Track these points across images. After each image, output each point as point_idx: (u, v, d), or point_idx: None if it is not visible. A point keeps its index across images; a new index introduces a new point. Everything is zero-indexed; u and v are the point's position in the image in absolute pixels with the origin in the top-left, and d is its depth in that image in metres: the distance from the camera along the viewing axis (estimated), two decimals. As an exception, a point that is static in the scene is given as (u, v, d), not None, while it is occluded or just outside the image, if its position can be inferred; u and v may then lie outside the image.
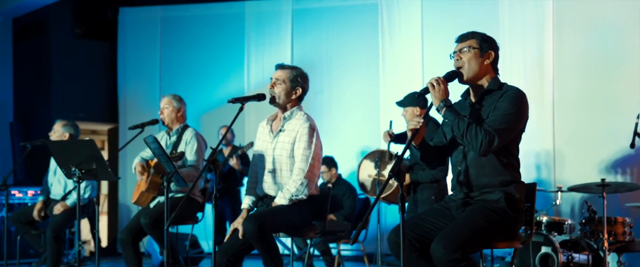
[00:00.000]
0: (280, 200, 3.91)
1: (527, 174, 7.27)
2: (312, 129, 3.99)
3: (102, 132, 10.49)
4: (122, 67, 9.35)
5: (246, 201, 4.13)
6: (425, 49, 8.01)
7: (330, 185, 6.89)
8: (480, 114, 3.24)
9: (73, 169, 4.38)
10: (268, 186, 4.03)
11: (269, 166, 4.02)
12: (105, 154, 9.68)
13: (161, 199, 5.04)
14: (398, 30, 8.30)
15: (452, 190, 3.39)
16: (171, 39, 9.25)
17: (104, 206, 9.82)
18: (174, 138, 5.18)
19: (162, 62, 9.24)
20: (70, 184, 5.92)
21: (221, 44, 9.09)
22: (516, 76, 7.41)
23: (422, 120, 3.19)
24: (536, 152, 7.35)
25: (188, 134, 5.12)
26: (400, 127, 5.49)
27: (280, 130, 4.03)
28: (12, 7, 9.04)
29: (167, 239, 3.85)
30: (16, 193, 7.66)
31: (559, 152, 7.24)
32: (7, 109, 9.23)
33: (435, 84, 3.22)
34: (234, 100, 3.89)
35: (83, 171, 4.39)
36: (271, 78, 4.08)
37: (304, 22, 8.84)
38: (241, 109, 3.88)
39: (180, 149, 5.04)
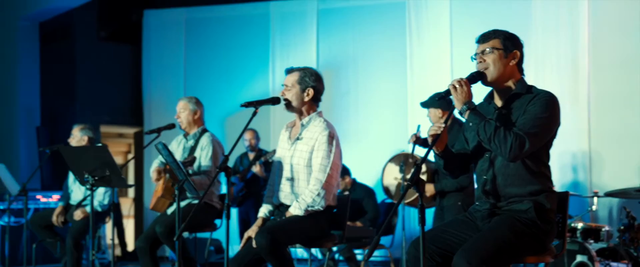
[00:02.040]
0: (295, 210, 3.74)
1: (562, 176, 7.03)
2: (332, 138, 3.81)
3: (128, 135, 10.44)
4: (147, 69, 9.27)
5: (263, 210, 3.98)
6: (454, 49, 7.76)
7: (346, 192, 6.72)
8: (508, 119, 3.02)
9: (86, 175, 4.27)
10: (284, 195, 3.86)
11: (286, 174, 3.86)
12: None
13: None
14: (426, 29, 8.07)
15: (477, 200, 3.17)
16: (195, 40, 9.15)
17: (131, 209, 9.76)
18: (191, 142, 5.05)
19: (186, 64, 9.14)
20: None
21: (246, 45, 8.95)
22: (550, 75, 7.17)
23: (443, 125, 2.99)
24: (572, 153, 7.07)
25: (204, 140, 4.98)
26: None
27: (298, 138, 3.86)
28: (38, 11, 9.03)
29: (178, 250, 3.70)
30: (41, 198, 7.62)
31: (595, 153, 6.95)
32: (35, 114, 9.23)
33: (457, 86, 3.00)
34: (247, 105, 3.74)
35: (96, 178, 4.27)
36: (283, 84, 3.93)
37: (329, 22, 8.65)
38: (255, 113, 3.71)
39: (196, 154, 4.90)
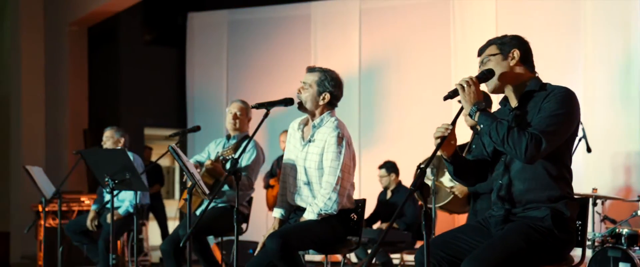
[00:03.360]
0: (309, 215, 3.62)
1: (614, 178, 6.68)
2: (341, 138, 3.65)
3: (173, 138, 10.51)
4: (190, 72, 9.32)
5: (277, 211, 3.86)
6: (500, 46, 7.47)
7: (390, 191, 6.54)
8: (524, 119, 2.82)
9: (107, 178, 4.26)
10: (299, 198, 3.75)
11: (301, 176, 3.74)
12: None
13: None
14: (471, 26, 7.81)
15: (493, 206, 2.98)
16: (238, 42, 9.14)
17: (177, 212, 9.83)
18: (232, 141, 4.97)
19: (229, 66, 9.14)
20: (122, 192, 5.84)
21: (287, 46, 8.88)
22: (600, 74, 6.84)
23: (450, 127, 2.81)
24: (625, 153, 6.73)
25: (251, 143, 4.89)
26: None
27: (310, 141, 3.73)
28: (86, 16, 9.20)
29: (189, 255, 3.63)
30: (85, 199, 7.72)
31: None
32: (82, 117, 9.40)
33: (465, 86, 2.82)
34: (259, 106, 3.64)
35: (116, 181, 4.26)
36: (301, 82, 3.80)
37: (372, 21, 8.49)
38: (266, 115, 3.61)
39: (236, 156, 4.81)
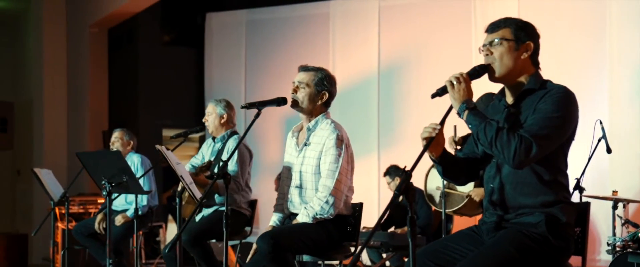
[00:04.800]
0: (303, 218, 3.48)
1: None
2: (340, 141, 3.53)
3: (193, 139, 10.48)
4: (209, 72, 9.26)
5: (273, 219, 3.75)
6: (522, 45, 7.23)
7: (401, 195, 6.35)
8: (517, 119, 2.63)
9: (103, 181, 4.17)
10: (293, 205, 3.62)
11: (295, 182, 3.62)
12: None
13: (206, 212, 4.76)
14: (492, 24, 7.56)
15: (484, 212, 2.80)
16: (256, 42, 9.04)
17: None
18: (218, 145, 4.91)
19: (247, 66, 9.04)
20: (131, 195, 5.77)
21: (306, 45, 8.74)
22: (626, 74, 6.54)
23: (438, 127, 2.64)
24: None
25: (232, 143, 4.81)
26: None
27: (306, 144, 3.61)
28: (106, 17, 9.20)
29: (179, 262, 3.52)
30: (103, 201, 7.70)
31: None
32: (102, 118, 9.41)
33: (455, 82, 2.65)
34: (250, 106, 3.52)
35: (113, 184, 4.17)
36: (294, 82, 3.68)
37: (391, 19, 8.30)
38: (257, 115, 3.48)
39: (224, 157, 4.73)
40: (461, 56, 7.75)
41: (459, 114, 2.65)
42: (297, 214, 3.60)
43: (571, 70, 6.71)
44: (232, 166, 4.68)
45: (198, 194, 3.71)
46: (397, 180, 6.53)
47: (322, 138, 3.58)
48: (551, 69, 6.46)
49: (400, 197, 2.56)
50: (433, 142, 2.64)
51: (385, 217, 2.43)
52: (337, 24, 8.57)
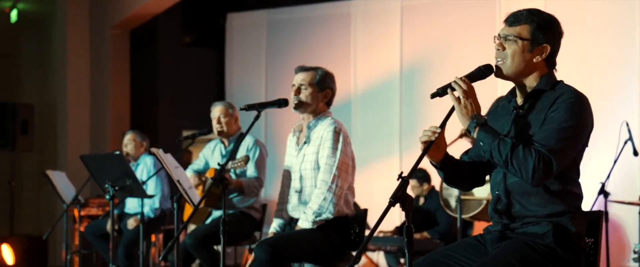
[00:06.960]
0: (304, 223, 3.35)
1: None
2: (337, 133, 3.41)
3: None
4: (229, 73, 9.18)
5: (273, 225, 3.62)
6: (549, 42, 6.99)
7: (422, 198, 6.20)
8: (526, 122, 2.45)
9: (107, 185, 4.10)
10: (292, 207, 3.49)
11: (295, 184, 3.50)
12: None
13: (216, 214, 4.65)
14: (518, 21, 7.33)
15: (491, 220, 2.63)
16: (277, 42, 8.94)
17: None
18: (230, 146, 4.79)
19: (268, 66, 8.95)
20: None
21: (327, 45, 8.61)
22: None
23: (438, 130, 2.48)
24: None
25: (249, 141, 4.69)
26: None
27: (305, 142, 3.49)
28: (128, 18, 9.19)
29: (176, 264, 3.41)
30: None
31: None
32: (125, 120, 9.39)
33: (462, 97, 2.47)
34: (249, 107, 3.40)
35: (116, 188, 4.09)
36: (293, 84, 3.56)
37: (413, 18, 8.12)
38: (257, 117, 3.37)
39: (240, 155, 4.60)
40: (485, 56, 7.45)
41: (469, 132, 2.47)
42: (295, 219, 3.48)
43: (599, 71, 6.47)
44: (251, 172, 4.56)
45: (196, 200, 3.60)
46: (426, 186, 6.36)
47: (320, 132, 3.49)
48: (579, 69, 6.24)
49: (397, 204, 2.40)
50: (433, 147, 2.48)
51: (380, 224, 2.28)
52: (358, 24, 8.42)
